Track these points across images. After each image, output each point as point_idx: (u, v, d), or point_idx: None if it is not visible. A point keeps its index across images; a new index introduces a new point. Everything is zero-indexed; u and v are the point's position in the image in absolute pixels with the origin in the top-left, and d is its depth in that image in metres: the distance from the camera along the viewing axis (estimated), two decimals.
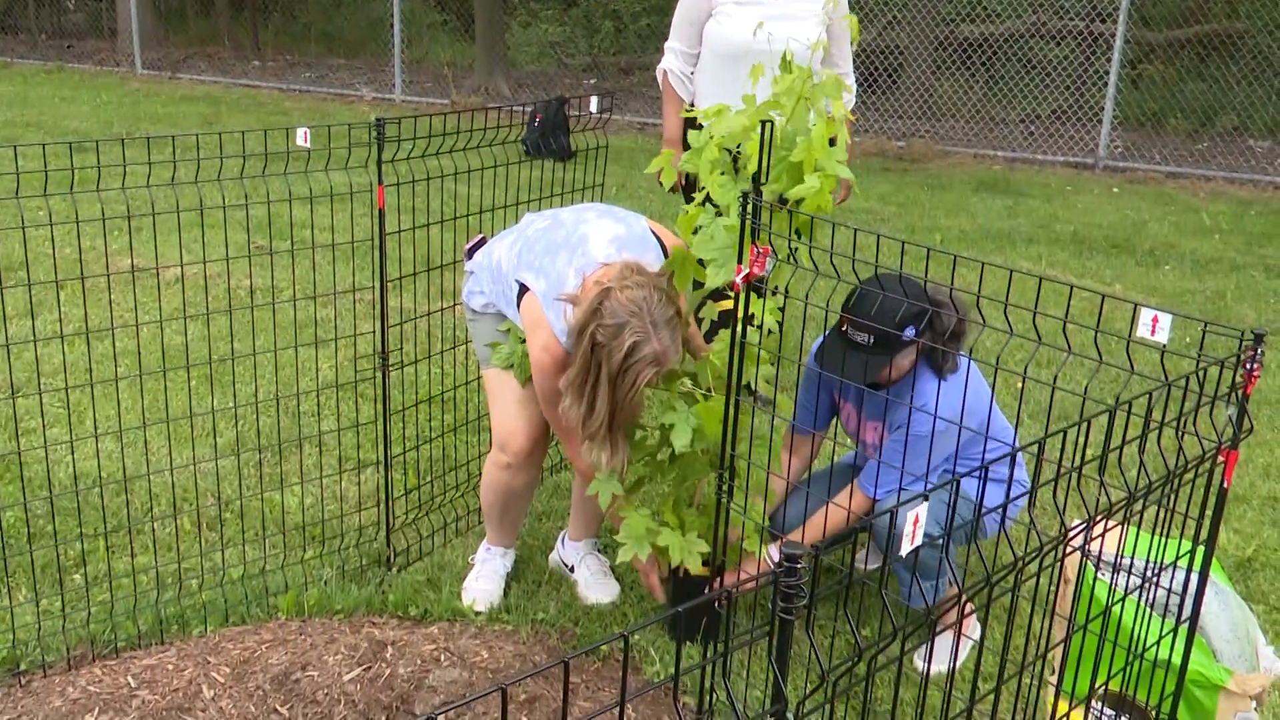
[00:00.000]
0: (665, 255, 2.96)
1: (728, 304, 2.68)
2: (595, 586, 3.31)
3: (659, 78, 4.32)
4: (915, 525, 1.42)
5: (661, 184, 2.95)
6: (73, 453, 3.33)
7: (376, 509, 3.64)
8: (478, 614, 3.19)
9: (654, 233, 3.00)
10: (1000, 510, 2.40)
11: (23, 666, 2.89)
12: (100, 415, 4.22)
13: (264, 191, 3.09)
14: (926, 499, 1.46)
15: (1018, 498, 1.59)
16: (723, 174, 2.74)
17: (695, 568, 2.88)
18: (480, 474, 3.85)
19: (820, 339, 3.05)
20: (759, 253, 2.47)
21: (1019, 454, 3.13)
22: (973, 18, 12.00)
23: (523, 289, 2.92)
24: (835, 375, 2.91)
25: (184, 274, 3.82)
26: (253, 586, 3.26)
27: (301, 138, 3.04)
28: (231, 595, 3.21)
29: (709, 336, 3.32)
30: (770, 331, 2.67)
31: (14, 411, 3.21)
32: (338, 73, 14.60)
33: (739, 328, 2.57)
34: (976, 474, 2.82)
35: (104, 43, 16.28)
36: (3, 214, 4.05)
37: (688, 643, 3.08)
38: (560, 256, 2.88)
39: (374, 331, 3.36)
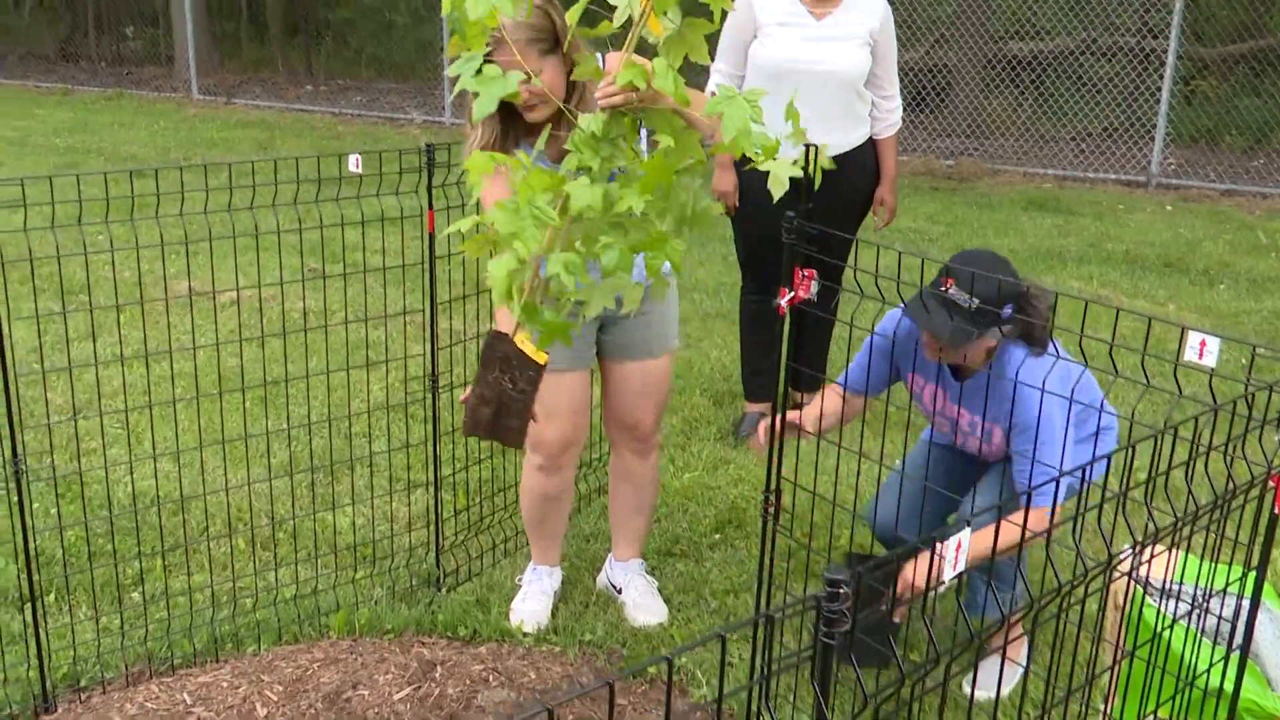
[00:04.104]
0: None
1: (711, 26, 2.48)
2: (643, 608, 3.32)
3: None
4: (958, 551, 1.43)
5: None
6: (131, 473, 3.40)
7: (426, 529, 3.68)
8: (526, 635, 3.22)
9: None
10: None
11: (83, 683, 2.96)
12: (158, 436, 4.30)
13: (317, 216, 3.15)
14: (969, 524, 1.47)
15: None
16: None
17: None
18: None
19: (893, 310, 2.96)
20: (804, 276, 2.48)
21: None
22: (1022, 35, 11.93)
23: None
24: (919, 319, 2.74)
25: (239, 297, 3.90)
26: (305, 605, 3.31)
27: (354, 164, 3.10)
28: (284, 614, 3.26)
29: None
30: None
31: (75, 432, 3.30)
32: (388, 96, 14.79)
33: (784, 355, 2.58)
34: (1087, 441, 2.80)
35: (161, 69, 16.62)
36: (66, 239, 4.13)
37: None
38: None
39: (424, 354, 3.41)
